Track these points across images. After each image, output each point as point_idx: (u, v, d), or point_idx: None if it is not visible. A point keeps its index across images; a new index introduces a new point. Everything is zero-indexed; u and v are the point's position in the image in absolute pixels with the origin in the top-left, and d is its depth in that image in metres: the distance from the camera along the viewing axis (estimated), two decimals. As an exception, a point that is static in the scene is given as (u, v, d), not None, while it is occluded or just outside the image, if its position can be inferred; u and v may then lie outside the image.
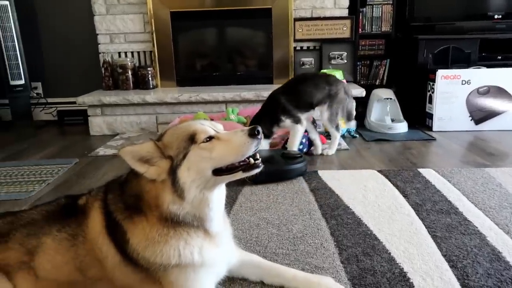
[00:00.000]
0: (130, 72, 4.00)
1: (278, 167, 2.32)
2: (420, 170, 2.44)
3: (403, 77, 3.94)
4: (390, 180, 2.29)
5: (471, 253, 1.52)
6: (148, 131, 3.73)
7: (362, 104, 3.70)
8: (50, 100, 4.37)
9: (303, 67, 4.10)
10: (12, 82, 3.90)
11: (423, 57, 3.66)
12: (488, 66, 3.49)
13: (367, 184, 2.25)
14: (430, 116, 3.51)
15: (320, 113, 2.76)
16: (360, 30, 4.02)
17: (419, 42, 3.64)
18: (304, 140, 2.85)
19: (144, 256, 1.13)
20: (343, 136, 3.32)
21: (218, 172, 1.12)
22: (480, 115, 3.44)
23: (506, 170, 2.39)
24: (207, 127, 1.14)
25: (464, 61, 3.66)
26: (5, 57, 3.82)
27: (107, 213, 1.19)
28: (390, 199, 2.04)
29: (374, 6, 3.99)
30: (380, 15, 4.00)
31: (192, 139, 1.11)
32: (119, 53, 4.12)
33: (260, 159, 1.16)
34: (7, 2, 3.74)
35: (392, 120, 3.54)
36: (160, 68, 4.07)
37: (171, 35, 3.99)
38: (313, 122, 2.89)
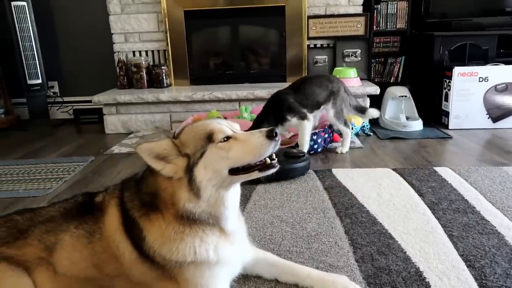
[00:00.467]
0: (144, 71, 4.04)
1: (280, 166, 2.31)
2: (436, 168, 2.41)
3: (418, 75, 3.89)
4: (405, 179, 2.27)
5: (489, 253, 1.49)
6: (162, 129, 3.76)
7: (376, 102, 3.67)
8: (66, 99, 4.44)
9: (317, 65, 4.08)
10: (30, 82, 3.97)
11: (439, 54, 3.60)
12: (506, 63, 3.42)
13: (381, 182, 2.23)
14: (446, 114, 3.46)
15: (326, 112, 2.78)
16: (374, 27, 3.98)
17: (435, 39, 3.59)
18: (320, 140, 2.83)
19: (160, 253, 1.14)
20: (357, 135, 3.30)
21: (234, 171, 1.12)
22: (498, 113, 3.37)
23: (525, 168, 2.35)
24: (225, 126, 1.15)
25: (481, 58, 3.59)
26: (23, 57, 3.89)
27: (123, 211, 1.20)
28: (405, 198, 2.02)
29: (389, 2, 3.94)
30: (395, 12, 3.95)
31: (209, 138, 1.11)
32: (134, 52, 4.16)
33: (277, 159, 1.16)
34: (25, 3, 3.81)
35: (407, 118, 3.49)
36: (174, 67, 4.09)
37: (185, 33, 4.01)
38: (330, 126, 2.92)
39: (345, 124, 2.80)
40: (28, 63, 3.92)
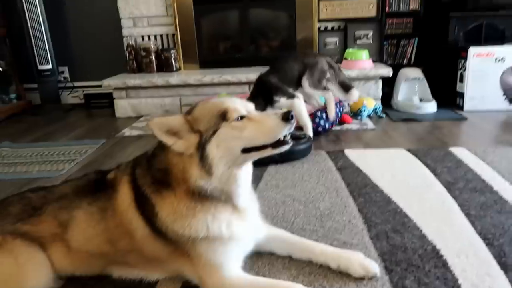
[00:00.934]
0: (153, 55, 4.01)
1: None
2: (451, 149, 2.36)
3: (432, 56, 3.80)
4: (419, 159, 2.23)
5: (508, 231, 1.46)
6: (172, 113, 3.74)
7: (389, 84, 3.61)
8: (76, 84, 4.44)
9: (327, 47, 4.01)
10: (40, 67, 3.98)
11: (454, 35, 3.51)
12: (524, 43, 3.32)
13: (395, 163, 2.20)
14: (461, 95, 3.38)
15: (303, 84, 2.73)
16: (387, 8, 3.88)
17: (450, 20, 3.49)
18: (325, 115, 2.78)
19: (173, 229, 1.13)
20: (369, 117, 3.25)
21: (247, 150, 1.11)
22: (515, 94, 3.29)
23: (543, 149, 2.29)
24: (239, 106, 1.12)
25: (497, 39, 3.49)
26: (33, 42, 3.89)
27: (135, 187, 1.20)
28: (420, 178, 1.98)
29: (402, -18, 3.83)
30: (408, -8, 3.84)
31: (223, 116, 1.09)
32: (142, 36, 4.13)
33: (290, 135, 1.14)
34: (34, -12, 3.80)
35: (421, 100, 3.43)
36: (183, 51, 4.06)
37: (193, 17, 3.96)
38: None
39: (324, 89, 2.75)
40: (38, 48, 3.92)
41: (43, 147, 2.85)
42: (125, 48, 4.07)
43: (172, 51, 3.99)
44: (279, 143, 1.12)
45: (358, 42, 3.95)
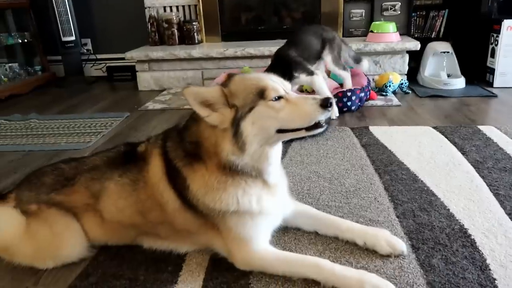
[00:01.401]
0: (175, 27, 3.98)
1: None
2: (480, 127, 2.30)
3: (463, 29, 3.65)
4: (446, 137, 2.18)
5: (539, 212, 1.43)
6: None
7: (416, 58, 3.50)
8: (99, 56, 4.47)
9: (353, 19, 3.89)
10: (64, 39, 4.00)
11: (487, 6, 3.35)
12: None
13: (421, 140, 2.16)
14: (492, 71, 3.26)
15: (324, 59, 2.73)
16: (416, -23, 3.72)
17: (484, -11, 3.33)
18: (354, 98, 2.72)
19: (204, 202, 1.15)
20: (394, 92, 3.18)
21: (281, 130, 1.11)
22: (549, 70, 3.15)
23: None
24: (278, 85, 1.11)
25: (534, 10, 3.31)
26: (57, 14, 3.90)
27: (167, 160, 1.21)
28: (448, 156, 1.95)
29: (434, -50, 3.65)
30: (440, -40, 3.66)
31: (261, 94, 1.08)
32: (164, 7, 4.08)
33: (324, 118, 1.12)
34: (57, -42, 3.77)
35: (448, 76, 3.32)
36: (205, 23, 4.00)
37: (216, -13, 3.89)
38: None
39: (344, 68, 2.78)
40: (61, 20, 3.93)
41: (69, 119, 2.90)
42: (147, 20, 4.04)
43: (194, 23, 3.95)
44: (313, 126, 1.12)
45: (385, 14, 3.81)
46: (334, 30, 2.87)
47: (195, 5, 4.02)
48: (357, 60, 2.90)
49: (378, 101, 2.97)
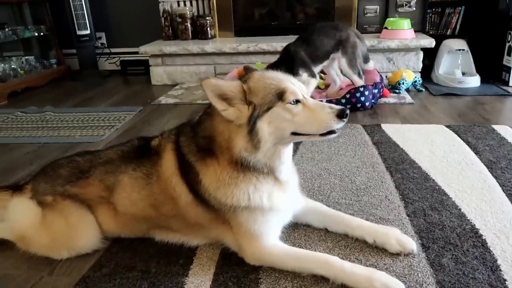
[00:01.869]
0: (189, 22, 3.99)
1: None
2: (494, 126, 2.28)
3: (479, 27, 3.59)
4: (460, 136, 2.16)
5: (553, 214, 1.42)
6: (207, 82, 3.75)
7: (430, 55, 3.46)
8: (113, 50, 4.51)
9: (367, 15, 3.86)
10: (79, 32, 4.05)
11: (505, 3, 3.28)
12: None
13: (434, 139, 2.14)
14: (508, 69, 3.20)
15: (338, 61, 2.73)
16: (432, -27, 3.66)
17: (502, -14, 3.27)
18: (367, 93, 2.70)
19: (216, 196, 1.17)
20: (407, 90, 3.15)
21: (296, 133, 1.12)
22: None
23: None
24: (297, 89, 1.12)
25: (553, 8, 3.24)
26: (72, 7, 3.95)
27: (179, 155, 1.23)
28: (460, 155, 1.93)
29: None
30: (457, -44, 3.60)
31: (280, 95, 1.09)
32: (178, 2, 4.10)
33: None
34: (72, -48, 3.81)
35: (463, 74, 3.28)
36: (218, 18, 4.01)
37: (230, -18, 3.88)
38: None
39: (359, 75, 2.72)
40: (77, 14, 3.98)
41: (84, 113, 2.95)
42: (160, 14, 4.06)
43: (207, 18, 3.95)
44: (327, 132, 1.13)
45: (400, 10, 3.77)
46: (347, 27, 2.83)
47: (209, 0, 4.03)
48: (366, 60, 2.86)
49: (391, 98, 2.95)
